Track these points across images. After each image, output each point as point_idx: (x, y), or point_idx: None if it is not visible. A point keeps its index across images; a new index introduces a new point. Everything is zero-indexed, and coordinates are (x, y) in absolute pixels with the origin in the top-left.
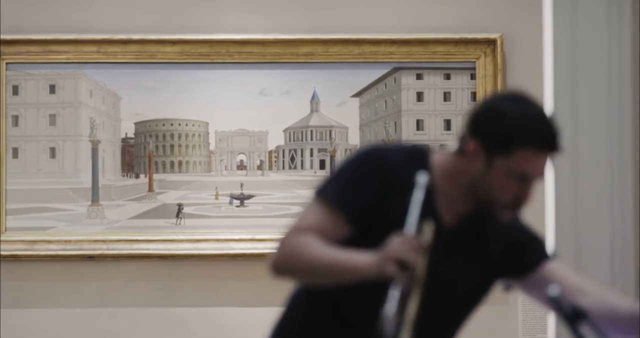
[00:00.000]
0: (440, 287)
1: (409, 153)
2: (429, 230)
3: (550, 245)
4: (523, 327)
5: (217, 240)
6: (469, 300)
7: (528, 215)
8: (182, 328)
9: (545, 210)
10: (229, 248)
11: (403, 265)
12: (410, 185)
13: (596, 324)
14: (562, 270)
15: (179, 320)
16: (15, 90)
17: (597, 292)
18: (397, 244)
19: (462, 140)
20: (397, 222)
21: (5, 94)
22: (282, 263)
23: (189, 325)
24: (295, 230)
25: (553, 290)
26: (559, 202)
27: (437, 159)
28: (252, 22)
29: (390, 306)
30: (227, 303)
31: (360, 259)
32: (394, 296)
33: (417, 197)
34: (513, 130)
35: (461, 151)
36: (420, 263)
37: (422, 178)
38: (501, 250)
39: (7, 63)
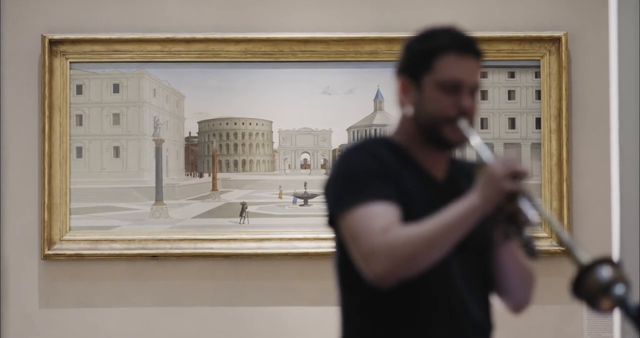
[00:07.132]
0: (458, 247)
1: (374, 141)
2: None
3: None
4: (588, 326)
5: (281, 239)
6: (484, 254)
7: (594, 218)
8: (246, 328)
9: (612, 214)
10: (293, 248)
11: (516, 176)
12: (391, 165)
13: None
14: None
15: (243, 319)
16: (79, 90)
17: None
18: (500, 164)
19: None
20: (412, 198)
21: (70, 93)
22: (395, 260)
23: (253, 324)
24: (377, 234)
25: (619, 289)
26: (624, 204)
27: (394, 130)
28: (316, 20)
29: (531, 214)
30: (291, 302)
31: (467, 201)
32: (526, 205)
33: (476, 140)
34: (424, 45)
35: (398, 102)
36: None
37: (464, 124)
38: None
39: (71, 62)
